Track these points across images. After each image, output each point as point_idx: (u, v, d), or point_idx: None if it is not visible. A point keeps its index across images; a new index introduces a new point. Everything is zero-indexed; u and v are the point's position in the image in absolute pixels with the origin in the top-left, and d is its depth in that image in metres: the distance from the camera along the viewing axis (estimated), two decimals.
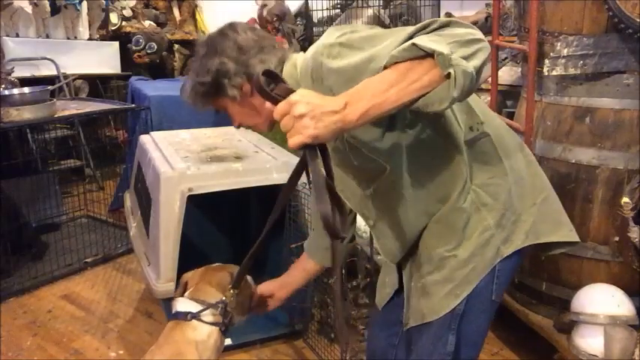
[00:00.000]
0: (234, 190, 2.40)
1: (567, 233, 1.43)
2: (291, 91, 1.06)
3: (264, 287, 1.73)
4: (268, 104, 1.32)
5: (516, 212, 1.35)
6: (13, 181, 3.57)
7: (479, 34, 1.07)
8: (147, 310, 2.97)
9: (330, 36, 1.25)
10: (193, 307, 1.55)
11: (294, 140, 1.02)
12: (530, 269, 2.37)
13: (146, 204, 2.64)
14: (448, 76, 1.00)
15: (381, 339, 1.59)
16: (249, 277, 1.66)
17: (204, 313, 1.53)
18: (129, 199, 3.18)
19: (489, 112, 1.41)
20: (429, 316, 1.37)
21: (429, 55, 1.00)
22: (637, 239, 2.02)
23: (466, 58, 1.02)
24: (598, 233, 2.17)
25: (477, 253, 1.33)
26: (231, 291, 1.55)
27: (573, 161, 2.18)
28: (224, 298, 1.55)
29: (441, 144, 1.28)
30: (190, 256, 2.29)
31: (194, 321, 1.53)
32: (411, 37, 1.06)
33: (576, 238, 1.44)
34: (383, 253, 1.49)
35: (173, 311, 1.58)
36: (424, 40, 1.01)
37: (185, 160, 2.50)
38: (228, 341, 2.57)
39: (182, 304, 1.57)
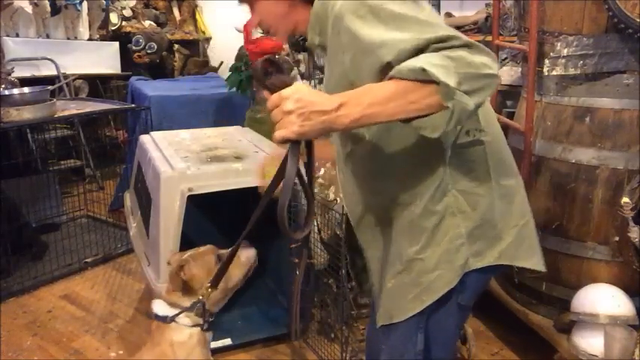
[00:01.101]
0: (234, 190, 2.40)
1: (538, 261, 1.41)
2: (286, 85, 1.06)
3: None
4: (299, 14, 1.31)
5: (496, 228, 1.32)
6: (13, 181, 3.57)
7: (493, 68, 1.06)
8: (147, 310, 2.96)
9: None
10: (169, 310, 1.59)
11: (279, 134, 1.05)
12: (530, 269, 2.36)
13: (146, 204, 2.64)
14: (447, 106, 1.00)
15: (377, 334, 1.59)
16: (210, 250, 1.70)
17: (180, 316, 1.58)
18: (129, 199, 3.18)
19: (494, 122, 1.37)
20: (397, 317, 1.37)
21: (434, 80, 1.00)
22: (637, 239, 2.02)
23: (470, 92, 1.02)
24: (598, 233, 2.17)
25: (444, 259, 1.30)
26: (209, 290, 1.59)
27: (573, 161, 2.18)
28: (201, 297, 1.59)
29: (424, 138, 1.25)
30: None
31: (173, 323, 1.57)
32: (428, 45, 1.04)
33: (543, 269, 1.42)
34: (345, 205, 1.49)
35: (153, 312, 1.62)
36: (435, 65, 1.00)
37: (185, 160, 2.50)
38: (228, 341, 2.57)
39: (159, 307, 1.61)
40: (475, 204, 1.29)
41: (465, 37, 1.06)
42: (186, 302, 1.60)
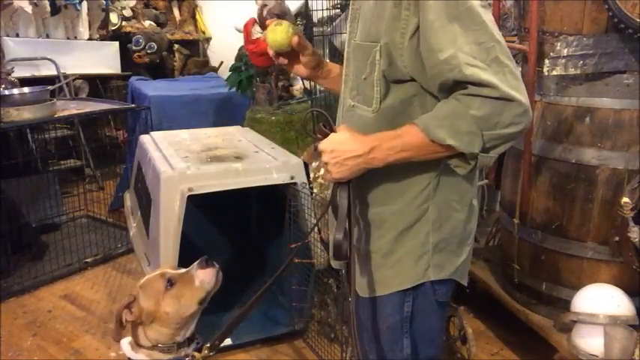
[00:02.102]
0: (234, 190, 2.40)
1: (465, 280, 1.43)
2: (326, 135, 1.21)
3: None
4: None
5: (458, 244, 1.34)
6: (13, 181, 3.57)
7: (522, 122, 1.12)
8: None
9: None
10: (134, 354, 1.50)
11: (326, 177, 1.24)
12: (530, 269, 2.37)
13: (146, 204, 2.64)
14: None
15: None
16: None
17: (141, 355, 1.49)
18: (129, 199, 3.18)
19: None
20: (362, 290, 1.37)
21: None
22: (637, 239, 2.02)
23: (493, 148, 1.14)
24: (598, 233, 2.17)
25: (404, 262, 1.30)
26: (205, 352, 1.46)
27: (573, 161, 2.18)
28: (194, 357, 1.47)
29: None
30: (190, 257, 2.29)
31: None
32: (465, 84, 1.10)
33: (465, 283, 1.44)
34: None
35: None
36: (461, 133, 1.11)
37: (185, 160, 2.50)
38: (228, 341, 2.57)
39: (125, 346, 1.52)
40: (448, 217, 1.31)
41: (504, 89, 1.08)
42: (142, 338, 1.49)
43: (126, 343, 1.52)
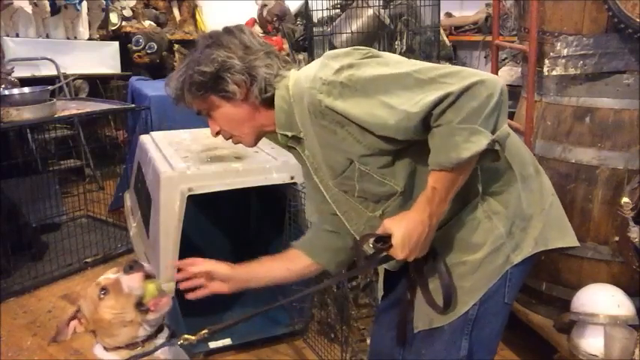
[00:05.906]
0: (234, 190, 2.41)
1: (572, 238, 1.44)
2: (385, 240, 1.24)
3: (222, 269, 1.55)
4: (262, 115, 1.34)
5: (525, 219, 1.35)
6: (13, 181, 3.57)
7: (496, 88, 1.14)
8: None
9: (326, 69, 1.22)
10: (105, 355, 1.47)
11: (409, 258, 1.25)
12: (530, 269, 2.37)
13: (146, 204, 2.64)
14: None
15: (387, 339, 1.56)
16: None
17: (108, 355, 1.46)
18: (129, 199, 3.18)
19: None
20: (437, 321, 1.36)
21: None
22: (637, 239, 2.02)
23: (498, 122, 1.16)
24: (598, 233, 2.17)
25: (486, 261, 1.32)
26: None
27: (573, 161, 2.18)
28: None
29: None
30: (190, 256, 2.29)
31: None
32: (429, 111, 1.13)
33: (577, 243, 1.46)
34: (389, 266, 1.47)
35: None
36: (467, 142, 1.13)
37: (185, 160, 2.50)
38: (228, 341, 2.57)
39: (98, 350, 1.49)
40: (506, 202, 1.32)
41: (456, 88, 1.12)
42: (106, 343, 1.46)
43: (99, 347, 1.49)
